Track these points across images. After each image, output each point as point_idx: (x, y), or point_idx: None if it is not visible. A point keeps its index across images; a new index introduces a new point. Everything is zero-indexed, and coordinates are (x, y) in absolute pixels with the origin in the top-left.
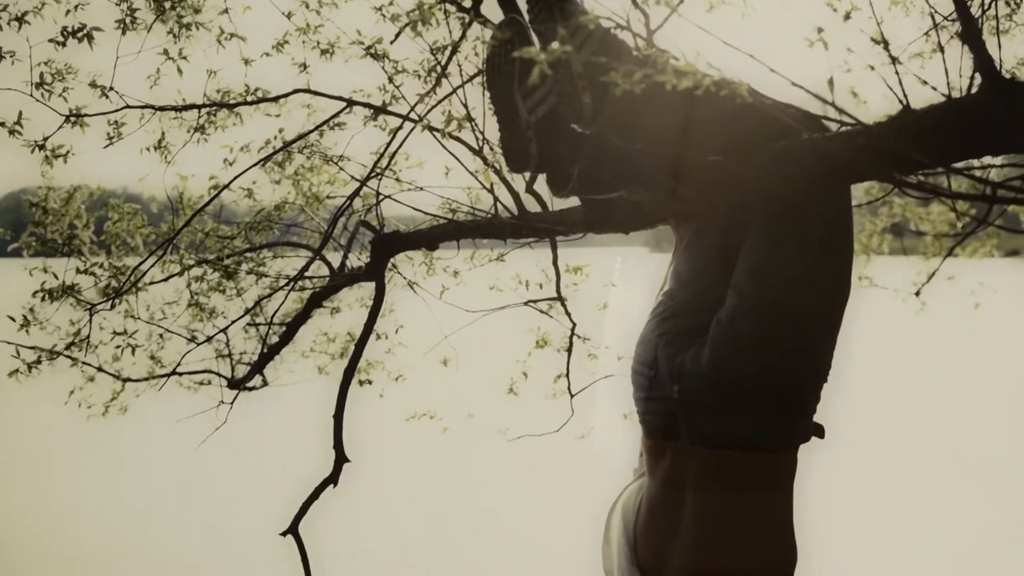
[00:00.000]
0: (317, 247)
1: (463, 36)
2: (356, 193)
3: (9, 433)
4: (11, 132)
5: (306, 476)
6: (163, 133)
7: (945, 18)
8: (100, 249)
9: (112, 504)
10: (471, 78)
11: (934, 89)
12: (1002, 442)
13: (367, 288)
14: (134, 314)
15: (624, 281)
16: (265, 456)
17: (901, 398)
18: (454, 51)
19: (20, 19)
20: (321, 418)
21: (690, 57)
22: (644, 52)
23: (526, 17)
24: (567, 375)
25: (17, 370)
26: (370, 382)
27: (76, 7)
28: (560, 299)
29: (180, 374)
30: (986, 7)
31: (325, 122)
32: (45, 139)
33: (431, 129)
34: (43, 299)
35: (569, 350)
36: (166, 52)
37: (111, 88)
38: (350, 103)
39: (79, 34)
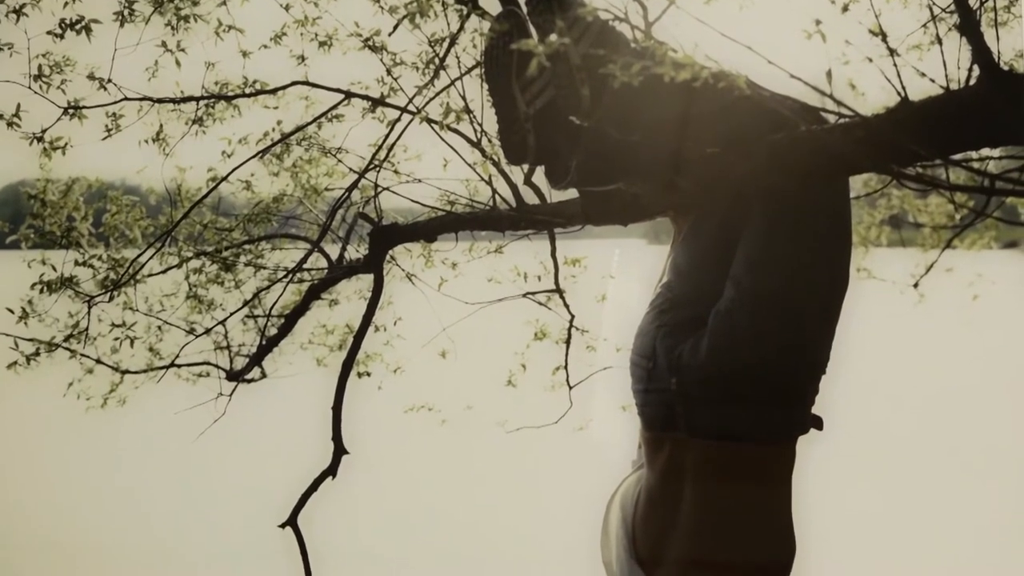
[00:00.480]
0: (315, 239)
1: (461, 28)
2: (354, 185)
3: (8, 425)
4: (9, 124)
5: (305, 468)
6: (161, 125)
7: (943, 10)
8: (98, 241)
9: (111, 496)
10: (469, 70)
11: (932, 81)
12: (1001, 434)
13: (365, 280)
14: (133, 306)
15: (622, 273)
16: (264, 448)
17: (899, 390)
18: (452, 43)
19: (18, 11)
20: (320, 410)
21: (688, 49)
22: (642, 44)
23: (524, 9)
24: (565, 367)
25: (16, 362)
26: (368, 374)
27: None
28: (558, 291)
29: (179, 366)
30: None
31: (323, 114)
32: (43, 131)
33: (429, 121)
34: (41, 291)
35: (567, 342)
36: (164, 44)
37: (109, 80)
38: (348, 95)
39: (77, 26)
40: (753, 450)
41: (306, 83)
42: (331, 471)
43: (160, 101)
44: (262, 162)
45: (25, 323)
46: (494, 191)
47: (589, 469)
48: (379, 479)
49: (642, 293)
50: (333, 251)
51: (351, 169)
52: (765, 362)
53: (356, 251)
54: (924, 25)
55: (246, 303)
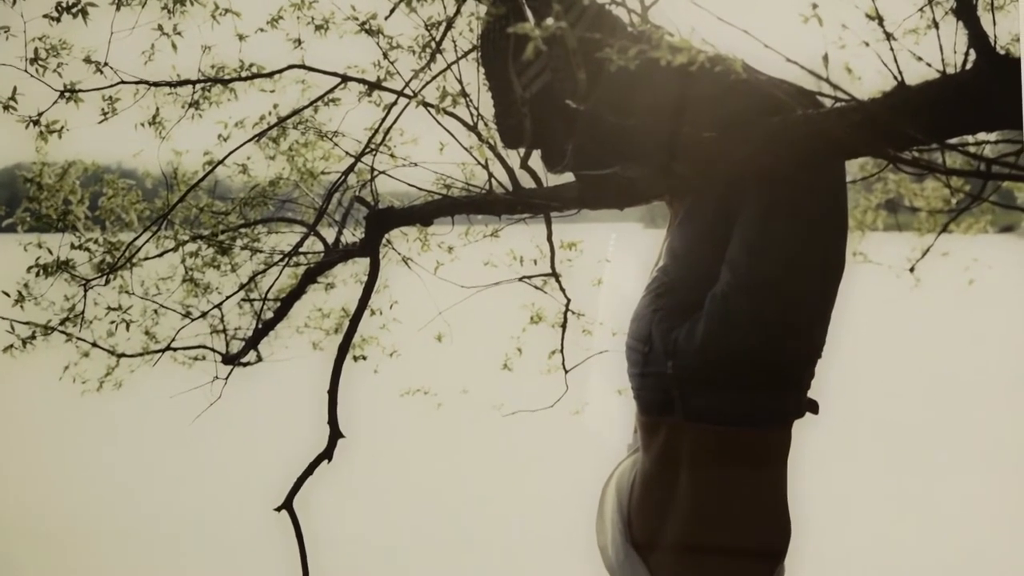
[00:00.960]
0: (312, 223)
1: (457, 12)
2: (351, 169)
3: (4, 408)
4: (6, 108)
5: (300, 451)
6: (157, 109)
7: None
8: (95, 224)
9: (106, 479)
10: (466, 54)
11: (928, 65)
12: (996, 418)
13: (361, 264)
14: (129, 289)
15: (618, 257)
16: (259, 431)
17: (895, 374)
18: (449, 27)
19: None
20: (316, 394)
21: (684, 33)
22: (639, 28)
23: None
24: (561, 351)
25: (12, 345)
26: (364, 358)
27: None
28: (554, 275)
29: (175, 349)
30: None
31: (320, 98)
32: (40, 114)
33: (426, 105)
34: (38, 274)
35: (563, 326)
36: (160, 28)
37: (105, 64)
38: (345, 79)
39: (73, 9)
40: (749, 434)
41: (302, 67)
42: (327, 454)
43: (156, 84)
44: (258, 146)
45: (21, 306)
46: (490, 175)
47: (585, 453)
48: (375, 463)
49: (638, 277)
50: (329, 235)
51: (347, 153)
52: (761, 346)
53: (352, 235)
54: (921, 9)
55: (242, 287)
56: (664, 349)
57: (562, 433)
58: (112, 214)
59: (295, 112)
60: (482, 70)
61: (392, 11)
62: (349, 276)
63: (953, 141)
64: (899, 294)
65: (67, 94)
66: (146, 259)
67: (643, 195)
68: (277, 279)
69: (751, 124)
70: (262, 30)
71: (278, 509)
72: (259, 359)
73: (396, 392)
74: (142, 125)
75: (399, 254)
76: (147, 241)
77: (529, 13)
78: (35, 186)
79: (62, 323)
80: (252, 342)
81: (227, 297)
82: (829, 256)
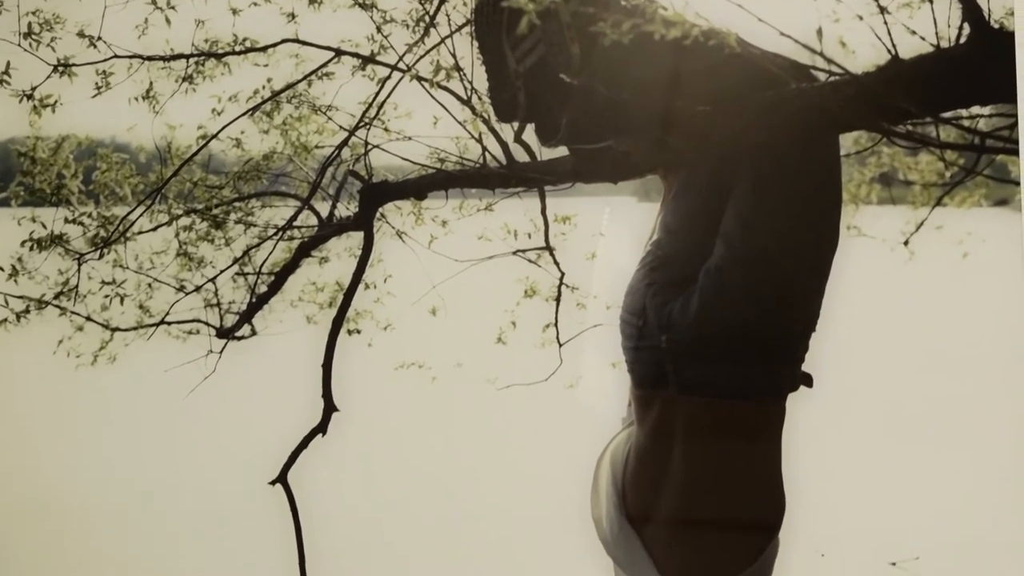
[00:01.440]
0: (305, 197)
1: None
2: (344, 143)
3: None
4: None
5: (295, 425)
6: (151, 83)
7: None
8: (88, 199)
9: (100, 453)
10: (459, 27)
11: (922, 39)
12: (990, 391)
13: (355, 238)
14: (123, 263)
15: (612, 230)
16: (254, 405)
17: (889, 347)
18: (442, 0)
19: None
20: (310, 367)
21: (678, 7)
22: (632, 2)
23: None
24: (555, 324)
25: (6, 319)
26: (359, 331)
27: None
28: (548, 248)
29: (169, 323)
30: None
31: (313, 72)
32: (33, 89)
33: (419, 79)
34: (31, 248)
35: (557, 299)
36: (154, 2)
37: (99, 38)
38: (338, 53)
39: None
40: (743, 407)
41: (296, 41)
42: (321, 428)
43: (150, 59)
44: (252, 120)
45: (15, 280)
46: (484, 149)
47: (579, 426)
48: (369, 436)
49: (632, 251)
50: (323, 209)
51: (341, 127)
52: (755, 319)
53: (346, 208)
54: None
55: (236, 261)
56: (658, 323)
57: (556, 407)
58: (106, 188)
59: (289, 86)
60: (476, 44)
61: None
62: (343, 250)
63: (947, 115)
64: (893, 267)
65: (61, 68)
66: (140, 233)
67: (637, 169)
68: (271, 253)
69: (745, 98)
70: (255, 4)
71: (272, 483)
72: (253, 333)
73: (390, 366)
74: (136, 99)
75: (393, 228)
76: (141, 215)
77: None
78: (29, 160)
79: (56, 297)
80: (246, 316)
81: (221, 271)
82: (823, 229)
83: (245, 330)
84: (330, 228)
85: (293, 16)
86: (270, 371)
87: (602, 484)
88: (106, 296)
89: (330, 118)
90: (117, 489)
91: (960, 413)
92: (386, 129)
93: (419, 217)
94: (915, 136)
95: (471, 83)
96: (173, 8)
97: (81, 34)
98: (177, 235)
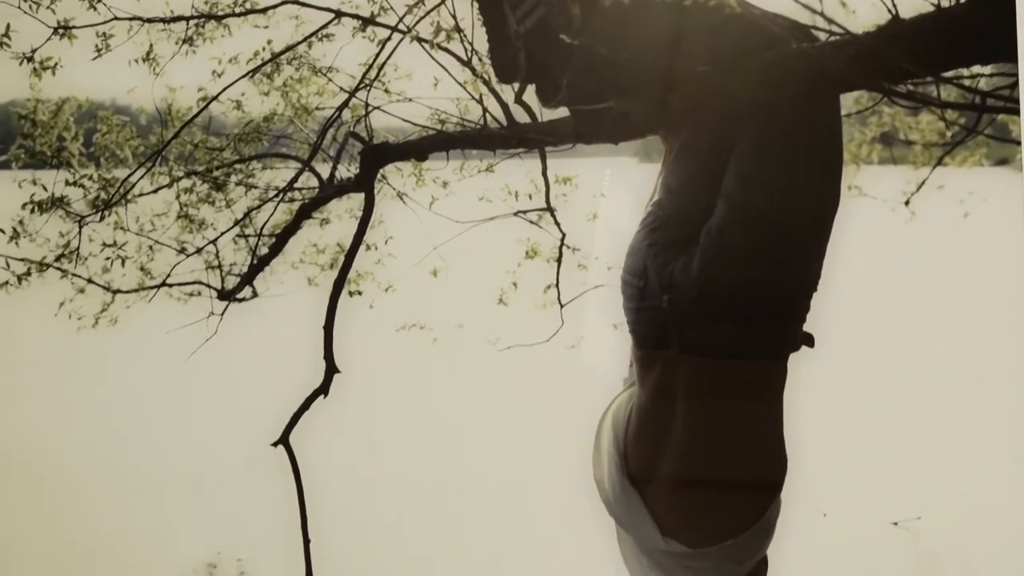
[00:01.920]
0: (306, 158)
1: None
2: (345, 104)
3: None
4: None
5: (296, 387)
6: (151, 45)
7: None
8: (89, 161)
9: (102, 415)
10: None
11: None
12: (991, 350)
13: (356, 199)
14: (124, 226)
15: (613, 191)
16: (255, 367)
17: (890, 307)
18: None
19: None
20: (311, 329)
21: None
22: None
23: None
24: (557, 285)
25: (7, 282)
26: (360, 293)
27: None
28: (549, 209)
29: (170, 285)
30: None
31: (313, 33)
32: (33, 51)
33: (420, 40)
34: (32, 211)
35: (559, 260)
36: None
37: (99, 0)
38: (339, 14)
39: None
40: (744, 368)
41: (296, 2)
42: (323, 390)
43: (150, 21)
44: (252, 81)
45: (16, 243)
46: (485, 110)
47: (580, 387)
48: (371, 397)
49: (633, 211)
50: (324, 170)
51: (342, 88)
52: (756, 279)
53: (347, 170)
54: None
55: (237, 222)
56: (660, 283)
57: (558, 367)
58: (107, 150)
59: (289, 48)
60: (476, 5)
61: None
62: (344, 211)
63: (948, 74)
64: (894, 227)
65: (61, 31)
66: (141, 195)
67: (638, 129)
68: (272, 215)
69: (746, 58)
70: None
71: (275, 444)
72: (254, 295)
73: (392, 327)
74: (136, 61)
75: (394, 189)
76: (142, 177)
77: None
78: (29, 123)
79: (57, 259)
80: (247, 278)
81: (222, 233)
82: (824, 189)
83: (246, 292)
84: (331, 190)
85: None
86: (271, 333)
87: (604, 445)
88: (107, 258)
89: (330, 80)
90: (120, 451)
91: (961, 372)
92: (387, 91)
93: (420, 178)
94: (916, 96)
95: (471, 44)
96: None
97: None
98: (178, 197)
